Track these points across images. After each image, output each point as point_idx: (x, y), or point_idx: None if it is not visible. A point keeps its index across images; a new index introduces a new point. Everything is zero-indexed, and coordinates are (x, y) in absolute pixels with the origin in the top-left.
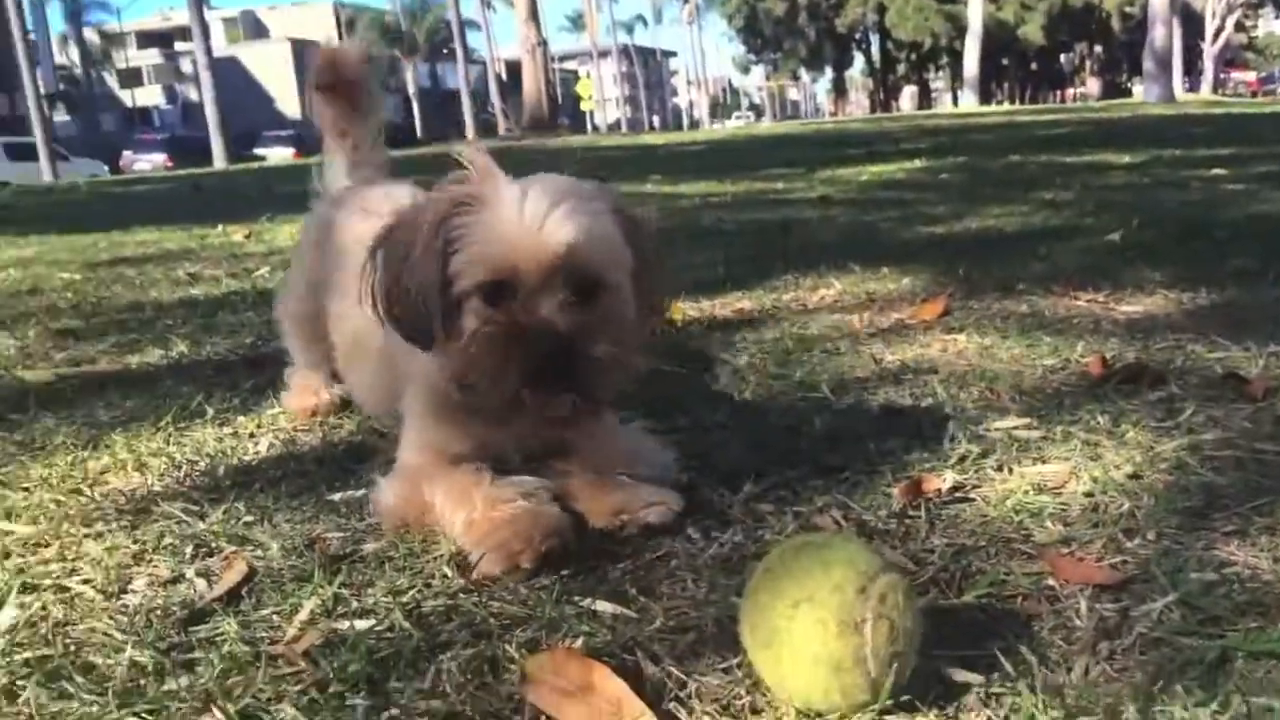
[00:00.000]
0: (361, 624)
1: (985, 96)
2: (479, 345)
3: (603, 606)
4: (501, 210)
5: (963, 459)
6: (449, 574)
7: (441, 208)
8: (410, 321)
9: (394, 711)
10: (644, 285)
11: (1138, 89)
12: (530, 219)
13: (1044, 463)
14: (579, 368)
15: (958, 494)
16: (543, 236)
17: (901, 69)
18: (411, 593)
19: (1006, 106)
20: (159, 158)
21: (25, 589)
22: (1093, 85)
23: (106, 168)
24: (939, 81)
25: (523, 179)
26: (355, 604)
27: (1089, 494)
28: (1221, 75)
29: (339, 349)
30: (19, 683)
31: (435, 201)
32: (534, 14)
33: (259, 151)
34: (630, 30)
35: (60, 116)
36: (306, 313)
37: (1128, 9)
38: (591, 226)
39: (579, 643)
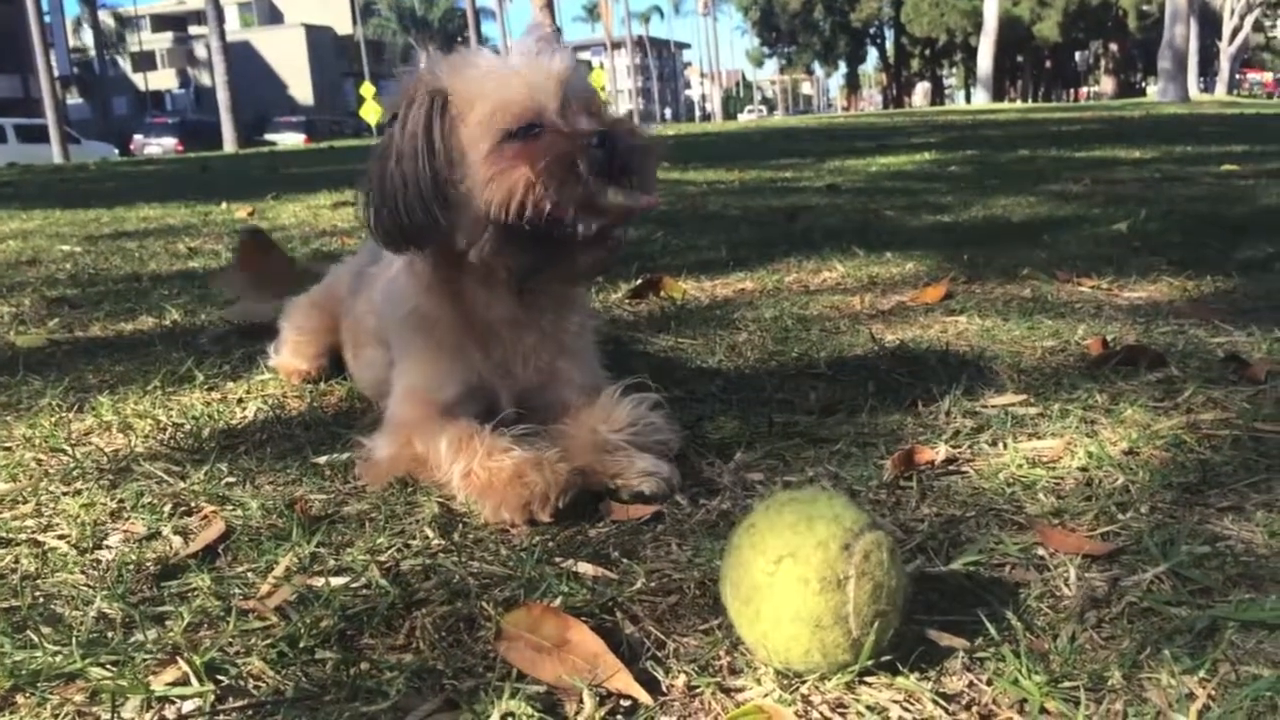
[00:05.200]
0: (337, 581)
1: (998, 94)
2: (547, 158)
3: (584, 568)
4: (492, 65)
5: (957, 433)
6: (430, 535)
7: (424, 105)
8: (403, 222)
9: (364, 665)
10: None
11: (1152, 88)
12: (525, 61)
13: (1039, 438)
14: (632, 155)
15: (950, 466)
16: (547, 68)
17: (915, 65)
18: (390, 552)
19: (1019, 104)
20: (170, 142)
21: None
22: (1107, 84)
23: (117, 151)
24: (952, 78)
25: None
26: (332, 562)
27: (1083, 468)
28: (1238, 76)
29: (346, 345)
30: None
31: (415, 106)
32: (549, 2)
33: (269, 137)
34: (646, 20)
35: (73, 100)
36: (317, 320)
37: (1145, 7)
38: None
39: (558, 602)
